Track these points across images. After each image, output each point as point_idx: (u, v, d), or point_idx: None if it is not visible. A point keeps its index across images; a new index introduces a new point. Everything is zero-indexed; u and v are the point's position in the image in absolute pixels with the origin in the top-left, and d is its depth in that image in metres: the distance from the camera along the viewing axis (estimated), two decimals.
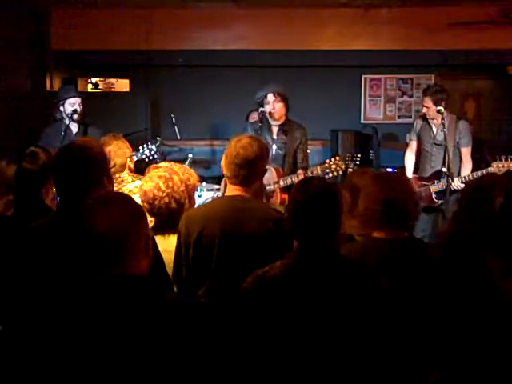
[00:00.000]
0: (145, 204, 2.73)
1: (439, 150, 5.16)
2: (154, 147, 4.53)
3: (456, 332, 1.87)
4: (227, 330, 1.98)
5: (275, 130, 4.76)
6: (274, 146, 4.70)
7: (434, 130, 5.22)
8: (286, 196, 4.46)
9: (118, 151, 3.77)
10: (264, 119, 4.76)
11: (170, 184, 2.75)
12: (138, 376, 1.59)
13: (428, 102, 5.08)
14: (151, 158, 4.56)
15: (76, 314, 1.65)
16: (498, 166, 4.78)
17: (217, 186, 4.93)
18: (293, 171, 4.72)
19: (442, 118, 4.92)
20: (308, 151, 5.49)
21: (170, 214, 2.72)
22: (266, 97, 4.70)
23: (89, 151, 2.31)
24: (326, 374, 1.85)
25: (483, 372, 1.80)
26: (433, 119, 5.17)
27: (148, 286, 1.71)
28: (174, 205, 2.74)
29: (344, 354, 1.85)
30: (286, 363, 1.87)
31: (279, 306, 1.90)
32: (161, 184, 2.74)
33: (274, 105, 4.67)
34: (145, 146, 4.43)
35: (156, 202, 2.72)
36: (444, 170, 4.92)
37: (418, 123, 5.38)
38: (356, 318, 1.87)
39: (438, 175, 5.10)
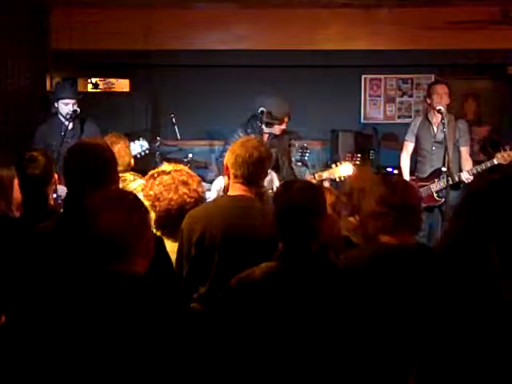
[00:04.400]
0: (172, 212, 2.71)
1: (439, 149, 5.16)
2: (145, 143, 4.51)
3: (454, 333, 1.86)
4: (210, 329, 2.00)
5: (266, 135, 4.78)
6: None
7: (435, 128, 5.23)
8: None
9: (127, 150, 3.81)
10: (255, 124, 4.75)
11: (193, 187, 2.76)
12: (126, 368, 1.62)
13: (445, 88, 5.09)
14: (143, 153, 4.56)
15: (75, 308, 1.67)
16: (502, 157, 4.80)
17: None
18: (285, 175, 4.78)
19: (442, 118, 4.93)
20: (308, 150, 5.52)
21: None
22: (282, 120, 4.75)
23: (104, 151, 2.34)
24: (305, 376, 1.85)
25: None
26: (438, 116, 5.15)
27: (143, 284, 1.73)
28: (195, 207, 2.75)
29: (322, 356, 1.85)
30: (265, 364, 1.88)
31: (258, 308, 1.91)
32: (185, 190, 2.73)
33: (286, 125, 4.78)
34: (136, 141, 4.42)
35: (187, 207, 2.72)
36: (444, 169, 4.93)
37: (417, 122, 5.38)
38: (335, 320, 1.87)
39: (436, 174, 5.11)
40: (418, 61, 6.87)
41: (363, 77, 7.47)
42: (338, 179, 4.45)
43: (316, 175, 4.54)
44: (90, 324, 1.64)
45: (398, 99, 7.52)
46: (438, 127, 5.20)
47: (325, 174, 4.51)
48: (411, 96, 7.50)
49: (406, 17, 6.52)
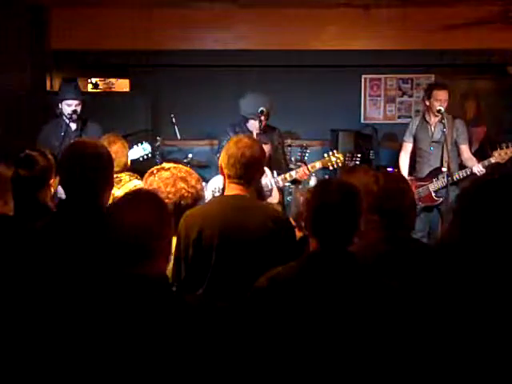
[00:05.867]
0: (169, 206, 2.72)
1: (437, 149, 5.17)
2: (148, 147, 4.51)
3: (455, 334, 1.86)
4: (239, 329, 1.99)
5: (255, 133, 4.75)
6: None
7: (432, 128, 5.24)
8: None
9: (124, 150, 3.81)
10: (243, 123, 4.81)
11: (192, 183, 2.77)
12: (150, 371, 1.60)
13: (446, 95, 5.07)
14: (145, 157, 4.56)
15: (98, 313, 1.65)
16: (500, 155, 4.82)
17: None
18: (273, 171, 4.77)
19: (442, 118, 4.93)
20: (308, 150, 5.55)
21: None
22: (260, 113, 4.69)
23: (104, 152, 2.34)
24: (337, 375, 1.86)
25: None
26: (436, 117, 5.15)
27: (170, 287, 1.71)
28: (194, 204, 2.75)
29: (356, 357, 1.86)
30: (298, 363, 1.88)
31: (293, 306, 1.90)
32: (183, 185, 2.74)
33: (264, 121, 4.73)
34: (139, 145, 4.41)
35: (184, 202, 2.73)
36: (444, 169, 4.94)
37: (415, 123, 5.38)
38: (371, 320, 1.88)
39: (434, 174, 5.12)
40: (418, 61, 6.87)
41: (363, 77, 7.47)
42: (330, 167, 4.51)
43: (309, 166, 4.57)
44: (114, 329, 1.61)
45: (398, 99, 7.52)
46: (435, 127, 5.22)
47: (318, 164, 4.56)
48: (411, 96, 7.50)
49: (405, 17, 6.51)
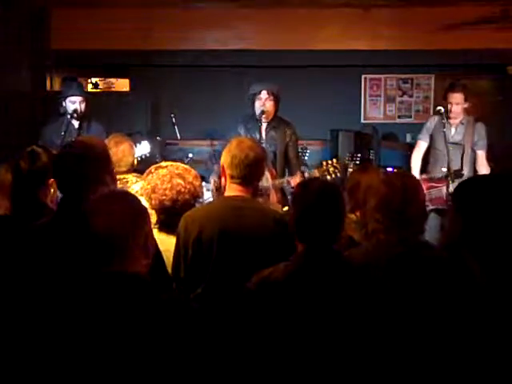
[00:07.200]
0: (166, 202, 2.72)
1: (455, 151, 4.99)
2: (147, 147, 4.51)
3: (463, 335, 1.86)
4: (228, 329, 1.99)
5: (264, 126, 4.74)
6: (264, 144, 4.60)
7: (452, 129, 5.08)
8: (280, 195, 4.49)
9: (131, 150, 3.81)
10: (253, 116, 4.75)
11: (189, 180, 2.77)
12: (133, 371, 1.60)
13: (459, 98, 4.97)
14: (144, 157, 4.56)
15: (74, 310, 1.65)
16: None
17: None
18: (285, 169, 4.73)
19: (442, 118, 4.86)
20: (308, 150, 5.52)
21: (183, 212, 2.66)
22: (259, 93, 4.69)
23: (91, 149, 2.32)
24: (325, 376, 1.86)
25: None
26: (455, 118, 5.03)
27: (145, 285, 1.71)
28: (192, 201, 2.75)
29: (344, 358, 1.86)
30: (287, 364, 1.88)
31: (282, 307, 1.90)
32: (179, 181, 2.74)
33: (265, 102, 4.67)
34: (137, 145, 4.41)
35: (180, 198, 2.73)
36: (444, 170, 4.86)
37: (433, 122, 5.18)
38: (358, 321, 1.88)
39: (453, 176, 4.97)
40: (418, 61, 6.86)
41: (363, 77, 7.48)
42: (328, 177, 4.46)
43: (306, 174, 4.54)
44: (89, 327, 1.62)
45: (398, 99, 7.53)
46: (455, 128, 5.07)
47: (314, 173, 4.53)
48: (411, 96, 7.50)
49: (405, 17, 6.52)
